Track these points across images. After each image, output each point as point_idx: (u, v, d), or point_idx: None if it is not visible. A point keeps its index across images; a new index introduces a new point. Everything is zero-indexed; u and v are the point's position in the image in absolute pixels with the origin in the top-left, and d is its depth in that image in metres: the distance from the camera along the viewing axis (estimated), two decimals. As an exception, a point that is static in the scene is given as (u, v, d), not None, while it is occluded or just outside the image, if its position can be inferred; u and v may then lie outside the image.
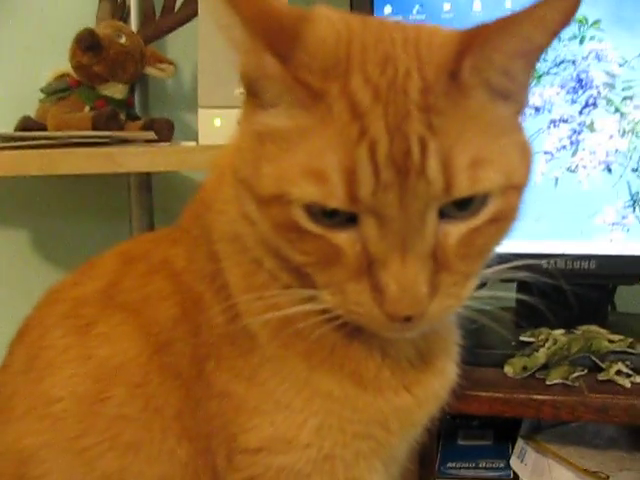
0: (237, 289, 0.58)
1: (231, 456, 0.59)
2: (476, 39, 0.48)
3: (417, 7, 1.03)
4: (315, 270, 0.51)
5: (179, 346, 0.60)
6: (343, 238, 0.49)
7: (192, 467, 0.60)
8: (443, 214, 0.49)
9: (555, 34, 0.49)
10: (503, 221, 0.51)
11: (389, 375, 0.59)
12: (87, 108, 1.15)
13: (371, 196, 0.46)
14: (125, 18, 1.24)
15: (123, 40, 1.13)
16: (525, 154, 0.52)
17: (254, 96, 0.51)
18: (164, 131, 1.10)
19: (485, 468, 0.97)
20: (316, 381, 0.57)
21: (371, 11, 1.03)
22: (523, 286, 1.01)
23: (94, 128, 1.07)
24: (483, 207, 0.49)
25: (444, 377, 0.64)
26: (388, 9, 1.04)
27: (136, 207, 1.24)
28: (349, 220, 0.48)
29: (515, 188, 0.51)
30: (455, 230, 0.49)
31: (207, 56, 1.04)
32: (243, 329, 0.57)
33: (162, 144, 1.05)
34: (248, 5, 0.47)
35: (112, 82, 1.13)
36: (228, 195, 0.58)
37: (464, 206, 0.49)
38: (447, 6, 1.02)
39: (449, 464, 0.98)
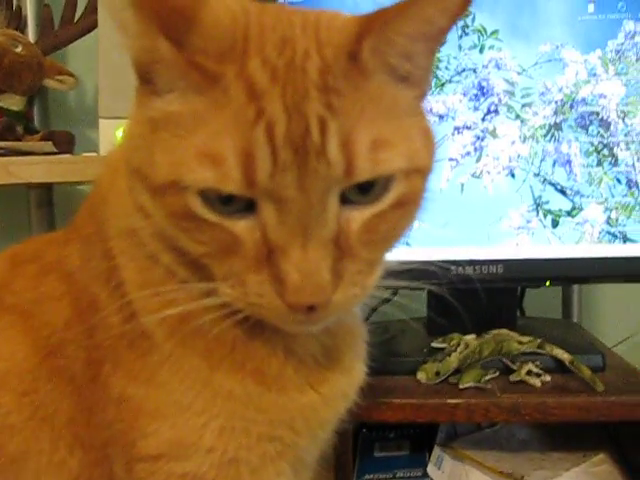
0: (132, 286, 0.55)
1: (130, 465, 0.55)
2: (376, 21, 0.47)
3: None
4: (213, 261, 0.49)
5: (72, 349, 0.56)
6: (241, 226, 0.47)
7: (85, 478, 0.56)
8: (345, 199, 0.48)
9: (456, 17, 0.49)
10: (407, 206, 0.51)
11: (293, 373, 0.57)
12: (-19, 120, 1.10)
13: (269, 179, 0.45)
14: (22, 28, 1.19)
15: (19, 49, 1.09)
16: (428, 139, 0.52)
17: (147, 82, 0.49)
18: (64, 144, 1.05)
19: (403, 477, 0.97)
20: (217, 380, 0.55)
21: None
22: (433, 294, 1.03)
23: (-13, 139, 1.02)
24: (386, 191, 0.49)
25: (351, 375, 0.63)
26: None
27: (37, 223, 1.19)
28: (247, 207, 0.47)
29: (419, 172, 0.51)
30: (358, 215, 0.48)
31: (108, 66, 1.02)
32: (140, 329, 0.54)
33: (58, 156, 1.01)
34: None
35: (8, 93, 1.09)
36: (122, 189, 0.56)
37: (367, 190, 0.48)
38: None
39: (366, 476, 0.97)
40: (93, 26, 1.13)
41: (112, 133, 0.99)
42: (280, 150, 0.45)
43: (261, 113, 0.45)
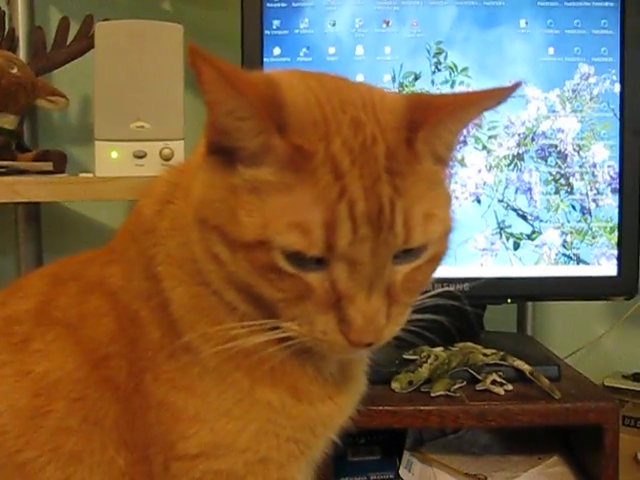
0: (181, 308, 0.62)
1: (168, 463, 0.62)
2: (429, 115, 0.55)
3: (304, 50, 1.10)
4: (287, 305, 0.57)
5: (116, 360, 0.63)
6: (314, 278, 0.55)
7: (130, 475, 0.62)
8: (394, 257, 0.56)
9: (486, 111, 0.58)
10: (438, 260, 0.60)
11: (318, 387, 0.65)
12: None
13: (347, 247, 0.53)
14: (14, 49, 1.23)
15: (15, 71, 1.12)
16: (450, 204, 0.61)
17: (225, 153, 0.55)
18: (57, 163, 1.09)
19: (376, 480, 1.03)
20: (257, 393, 0.62)
21: (261, 52, 1.10)
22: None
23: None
24: (424, 251, 0.57)
25: (358, 386, 0.71)
26: (277, 51, 1.11)
27: (24, 239, 1.22)
28: (318, 262, 0.54)
29: (448, 234, 0.60)
30: (402, 270, 0.57)
31: (103, 90, 1.06)
32: (181, 343, 0.61)
33: (57, 176, 1.05)
34: (251, 87, 0.51)
35: (4, 113, 1.12)
36: (174, 224, 0.63)
37: (410, 251, 0.57)
38: (332, 50, 1.10)
39: (341, 479, 1.03)
40: (85, 49, 1.17)
41: (107, 155, 1.03)
42: (359, 225, 0.52)
43: (344, 191, 0.52)
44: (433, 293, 0.65)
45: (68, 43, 1.20)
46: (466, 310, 1.09)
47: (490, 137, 1.10)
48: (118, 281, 0.65)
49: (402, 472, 1.03)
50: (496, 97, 0.57)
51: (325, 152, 0.53)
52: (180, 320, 0.61)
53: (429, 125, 0.55)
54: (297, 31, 1.10)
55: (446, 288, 0.68)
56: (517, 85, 0.57)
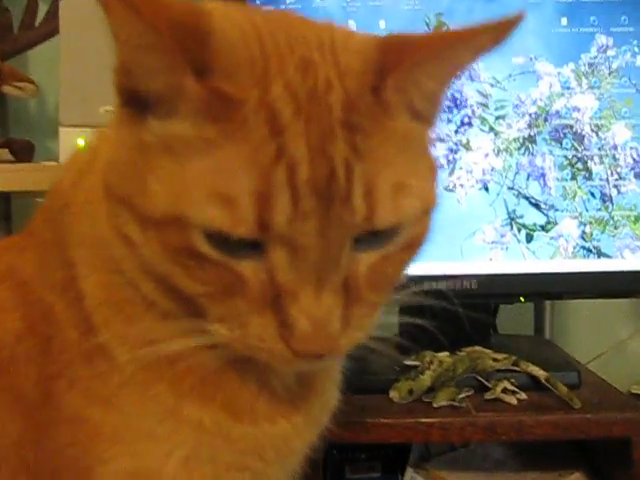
0: (94, 300, 0.52)
1: None
2: (404, 59, 0.44)
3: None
4: (212, 301, 0.46)
5: (22, 365, 0.52)
6: (246, 266, 0.43)
7: None
8: (354, 242, 0.45)
9: (483, 54, 0.46)
10: (415, 247, 0.48)
11: (265, 404, 0.54)
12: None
13: (287, 225, 0.41)
14: (-21, 33, 1.16)
15: (-25, 55, 1.05)
16: (434, 174, 0.50)
17: (137, 104, 0.45)
18: (24, 152, 1.02)
19: (374, 500, 0.93)
20: (184, 410, 0.51)
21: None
22: (405, 311, 1.00)
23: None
24: (397, 234, 0.46)
25: (325, 402, 0.60)
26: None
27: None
28: (253, 247, 0.43)
29: (428, 212, 0.48)
30: (367, 258, 0.45)
31: (69, 74, 0.99)
32: (100, 346, 0.50)
33: (19, 164, 0.97)
34: (164, 12, 0.40)
35: (-35, 100, 1.05)
36: (88, 197, 0.52)
37: (377, 233, 0.45)
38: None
39: (337, 499, 0.94)
40: (54, 32, 1.09)
41: (73, 141, 0.95)
42: (302, 195, 0.41)
43: (282, 151, 0.41)
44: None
45: (37, 24, 1.13)
46: (475, 311, 1.00)
47: (498, 118, 1.00)
48: (31, 269, 0.54)
49: (403, 492, 0.93)
50: (493, 33, 0.44)
51: (260, 99, 0.41)
52: (93, 316, 0.51)
53: (403, 67, 0.43)
54: (283, 6, 1.01)
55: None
56: (520, 17, 0.44)
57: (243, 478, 0.54)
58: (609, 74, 1.00)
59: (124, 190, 0.45)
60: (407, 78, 0.44)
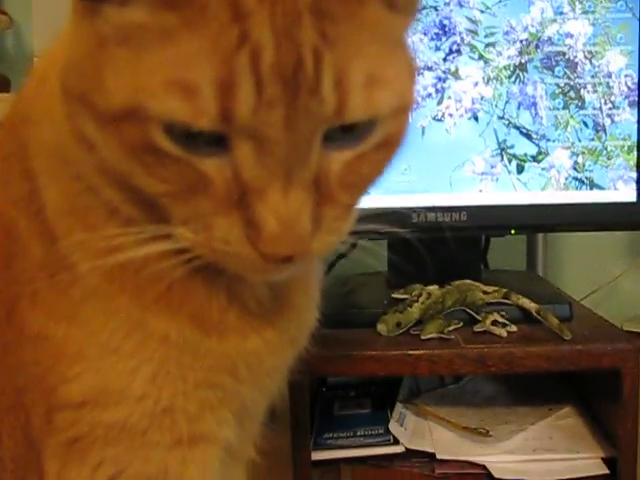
0: (55, 210, 0.49)
1: (50, 414, 0.49)
2: None
3: None
4: (174, 201, 0.43)
5: None
6: (210, 163, 0.41)
7: None
8: (326, 138, 0.42)
9: None
10: (391, 146, 0.45)
11: (235, 318, 0.52)
12: None
13: (251, 115, 0.39)
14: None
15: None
16: (412, 72, 0.47)
17: None
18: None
19: (364, 436, 0.92)
20: (150, 323, 0.49)
21: None
22: (394, 244, 0.98)
23: None
24: (371, 131, 0.43)
25: (302, 320, 0.58)
26: None
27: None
28: (217, 141, 0.40)
29: (405, 110, 0.45)
30: (340, 157, 0.43)
31: (42, 5, 0.95)
32: (62, 260, 0.48)
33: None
34: None
35: None
36: (48, 103, 0.49)
37: (350, 129, 0.42)
38: None
39: (325, 435, 0.93)
40: (27, -38, 1.04)
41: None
42: (266, 83, 0.38)
43: (245, 37, 0.38)
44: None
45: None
46: (463, 243, 0.98)
47: (487, 45, 0.96)
48: None
49: (393, 426, 0.92)
50: None
51: None
52: (56, 227, 0.49)
53: None
54: None
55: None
56: None
57: (215, 395, 0.52)
58: (603, -2, 0.96)
59: (81, 87, 0.43)
60: None
